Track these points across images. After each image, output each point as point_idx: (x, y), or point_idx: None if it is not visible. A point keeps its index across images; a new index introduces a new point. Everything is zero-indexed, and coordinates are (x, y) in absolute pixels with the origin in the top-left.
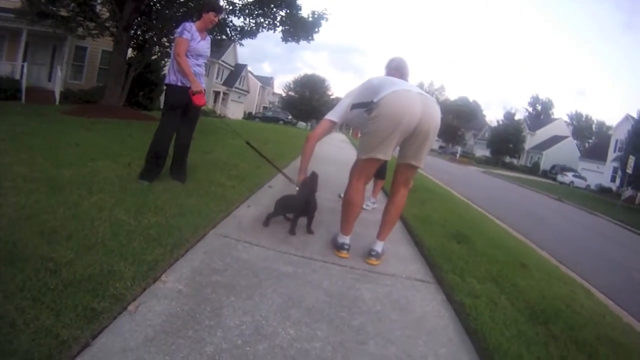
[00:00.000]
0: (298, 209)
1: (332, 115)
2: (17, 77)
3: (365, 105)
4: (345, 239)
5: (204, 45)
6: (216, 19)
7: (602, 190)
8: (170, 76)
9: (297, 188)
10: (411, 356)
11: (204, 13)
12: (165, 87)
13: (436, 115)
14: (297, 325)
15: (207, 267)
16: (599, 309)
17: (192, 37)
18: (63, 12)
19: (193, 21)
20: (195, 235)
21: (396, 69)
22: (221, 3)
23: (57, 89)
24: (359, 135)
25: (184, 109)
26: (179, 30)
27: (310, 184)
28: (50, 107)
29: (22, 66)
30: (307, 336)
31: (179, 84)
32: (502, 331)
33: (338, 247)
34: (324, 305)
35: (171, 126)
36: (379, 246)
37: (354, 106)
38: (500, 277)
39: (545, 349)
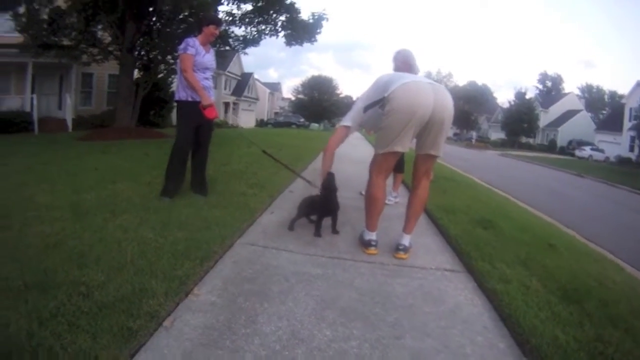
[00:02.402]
0: (321, 209)
1: (346, 121)
2: (28, 109)
3: (378, 103)
4: (372, 236)
5: (209, 58)
6: (217, 31)
7: (621, 160)
8: (180, 93)
9: (318, 191)
10: (448, 347)
11: (204, 27)
12: (175, 104)
13: (449, 104)
14: (333, 325)
15: (237, 277)
16: (631, 282)
17: (197, 52)
18: (65, 42)
19: (195, 36)
20: (222, 246)
21: (403, 62)
22: (220, 15)
23: (69, 117)
24: (374, 132)
25: (197, 123)
26: (182, 46)
27: (329, 184)
28: (64, 135)
29: (32, 98)
30: (344, 336)
31: (190, 99)
32: (536, 314)
33: (365, 244)
34: (358, 304)
35: (187, 142)
36: (406, 240)
37: (367, 107)
38: (529, 260)
39: (581, 328)
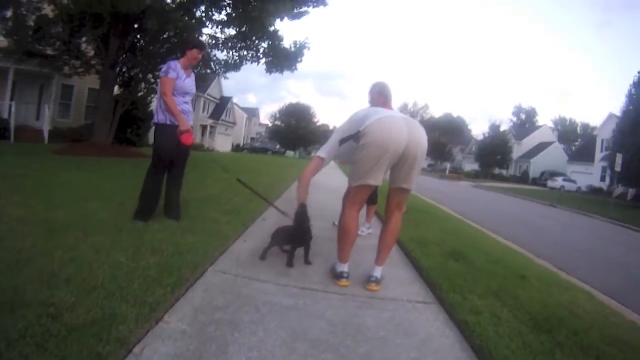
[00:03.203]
0: (294, 240)
1: (321, 152)
2: (5, 115)
3: (352, 137)
4: (343, 267)
5: (189, 82)
6: (200, 56)
7: (593, 190)
8: (159, 115)
9: (292, 221)
10: None
11: (187, 50)
12: (153, 126)
13: (422, 139)
14: (304, 357)
15: (208, 305)
16: (602, 310)
17: (178, 76)
18: (49, 51)
19: (177, 58)
20: (194, 273)
21: (379, 94)
22: (203, 37)
23: (46, 128)
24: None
25: (174, 147)
26: (164, 69)
27: (301, 215)
28: (40, 146)
29: (10, 105)
30: None
31: (168, 122)
32: (508, 344)
33: (337, 275)
34: (329, 336)
35: (162, 165)
36: (377, 272)
37: (342, 141)
38: (501, 291)
39: (552, 357)
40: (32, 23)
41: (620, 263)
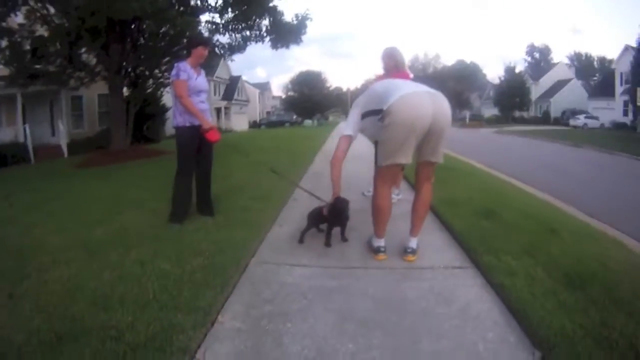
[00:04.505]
0: (331, 220)
1: (347, 130)
2: (22, 139)
3: (376, 113)
4: (380, 242)
5: (201, 80)
6: (206, 52)
7: (617, 126)
8: (177, 118)
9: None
10: (462, 345)
11: (193, 49)
12: (175, 130)
13: (447, 112)
14: (354, 338)
15: (257, 299)
16: (633, 260)
17: (189, 76)
18: (52, 68)
19: (184, 60)
20: (238, 269)
21: (389, 57)
22: (202, 25)
23: (63, 142)
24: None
25: (197, 146)
26: (174, 72)
27: (341, 205)
28: (61, 162)
29: (24, 128)
30: (365, 347)
31: (187, 124)
32: (543, 305)
33: (375, 250)
34: (374, 313)
35: (189, 166)
36: (413, 242)
37: (364, 115)
38: (534, 249)
39: (586, 314)
40: (28, 47)
41: None
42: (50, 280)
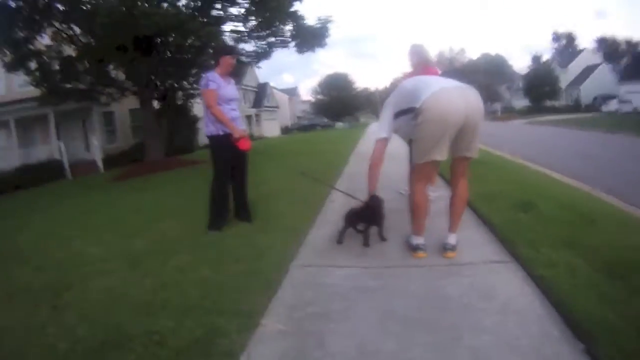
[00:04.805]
0: (368, 219)
1: (381, 132)
2: (57, 156)
3: (409, 112)
4: (420, 240)
5: (231, 89)
6: (233, 61)
7: None
8: (209, 127)
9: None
10: (504, 340)
11: (221, 58)
12: (208, 139)
13: (479, 106)
14: (396, 336)
15: (299, 301)
16: None
17: (219, 85)
18: (82, 86)
19: (212, 69)
20: (279, 272)
21: (416, 55)
22: (227, 33)
23: (98, 158)
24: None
25: (231, 153)
26: (203, 83)
27: (375, 203)
28: (97, 177)
29: (60, 145)
30: (407, 345)
31: (220, 132)
32: (585, 296)
33: (414, 248)
34: (416, 311)
35: (225, 176)
36: (452, 238)
37: (397, 115)
38: (573, 240)
39: (629, 304)
40: (57, 66)
41: None
42: (93, 290)
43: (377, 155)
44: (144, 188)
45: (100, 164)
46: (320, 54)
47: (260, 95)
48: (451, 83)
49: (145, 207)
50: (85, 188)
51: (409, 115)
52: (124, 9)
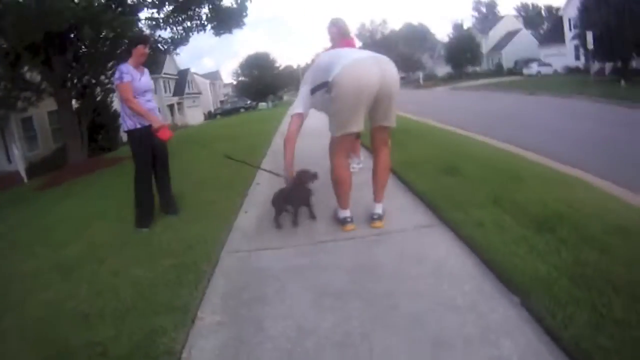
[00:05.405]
0: (296, 200)
1: (297, 108)
2: None
3: (323, 86)
4: (346, 213)
5: (145, 80)
6: (146, 50)
7: (570, 70)
8: (127, 122)
9: (285, 181)
10: (440, 302)
11: (133, 49)
12: (127, 134)
13: (394, 76)
14: (333, 311)
15: (233, 289)
16: (600, 198)
17: (132, 77)
18: None
19: (125, 61)
20: (210, 262)
21: (334, 26)
22: (142, 22)
23: (21, 167)
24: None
25: (151, 146)
26: (116, 76)
27: (301, 178)
28: (21, 189)
29: None
30: (344, 318)
31: (138, 126)
32: (515, 251)
33: (342, 222)
34: (349, 284)
35: (147, 168)
36: (379, 208)
37: (313, 90)
38: (499, 198)
39: (558, 255)
40: None
41: (612, 141)
42: (30, 307)
43: (292, 129)
44: (70, 194)
45: (24, 174)
46: (241, 34)
47: (181, 82)
48: (364, 54)
49: (73, 214)
50: (9, 202)
51: (324, 89)
52: (33, 6)
